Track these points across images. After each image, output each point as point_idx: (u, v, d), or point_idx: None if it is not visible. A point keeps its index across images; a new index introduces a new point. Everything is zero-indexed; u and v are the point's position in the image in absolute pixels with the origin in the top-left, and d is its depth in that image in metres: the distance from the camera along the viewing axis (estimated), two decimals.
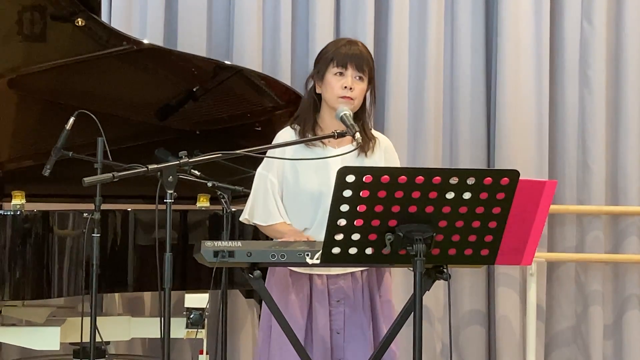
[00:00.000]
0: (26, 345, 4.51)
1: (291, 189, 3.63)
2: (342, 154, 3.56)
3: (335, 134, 3.47)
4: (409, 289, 3.24)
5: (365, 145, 3.64)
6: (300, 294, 3.61)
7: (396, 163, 3.74)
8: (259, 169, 3.68)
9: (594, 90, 5.65)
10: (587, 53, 5.66)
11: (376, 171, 3.10)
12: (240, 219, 3.73)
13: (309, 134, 3.64)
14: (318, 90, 3.66)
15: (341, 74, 3.60)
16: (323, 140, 3.63)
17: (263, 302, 3.64)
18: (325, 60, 3.63)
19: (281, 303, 3.55)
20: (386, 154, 3.71)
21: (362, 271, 3.65)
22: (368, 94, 3.68)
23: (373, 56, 5.42)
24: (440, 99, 5.60)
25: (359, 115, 3.65)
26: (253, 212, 3.67)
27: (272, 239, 3.67)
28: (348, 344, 3.62)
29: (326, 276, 3.61)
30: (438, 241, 3.18)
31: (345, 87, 3.58)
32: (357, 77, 3.60)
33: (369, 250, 3.18)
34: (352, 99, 3.58)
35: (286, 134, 3.69)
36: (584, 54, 5.66)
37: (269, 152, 3.64)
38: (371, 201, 3.10)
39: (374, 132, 3.74)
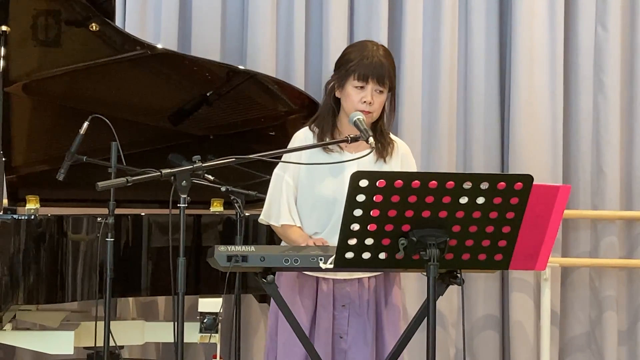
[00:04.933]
0: (40, 350, 4.52)
1: (306, 192, 3.63)
2: (358, 158, 3.54)
3: (349, 138, 3.46)
4: (422, 294, 3.24)
5: (384, 150, 3.64)
6: (306, 297, 3.62)
7: (412, 169, 3.73)
8: (276, 170, 3.69)
9: (608, 95, 5.63)
10: (601, 58, 5.64)
11: (389, 176, 3.10)
12: (259, 220, 3.73)
13: (327, 138, 3.64)
14: (338, 95, 3.65)
15: (362, 87, 3.59)
16: (340, 145, 3.63)
17: (271, 304, 3.66)
18: (346, 70, 3.59)
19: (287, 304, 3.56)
20: (403, 159, 3.71)
21: (369, 277, 3.65)
22: (387, 102, 3.67)
23: None
24: (454, 103, 5.59)
25: (379, 123, 3.64)
26: (269, 213, 3.68)
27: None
28: (350, 349, 3.62)
29: (332, 280, 3.62)
30: (451, 246, 3.17)
31: (365, 101, 3.58)
32: (378, 91, 3.60)
33: (382, 255, 3.18)
34: (370, 112, 3.58)
35: (303, 135, 3.69)
36: (598, 59, 5.64)
37: (285, 156, 3.64)
38: (384, 206, 3.10)
39: (392, 136, 3.73)
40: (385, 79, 3.59)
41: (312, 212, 3.62)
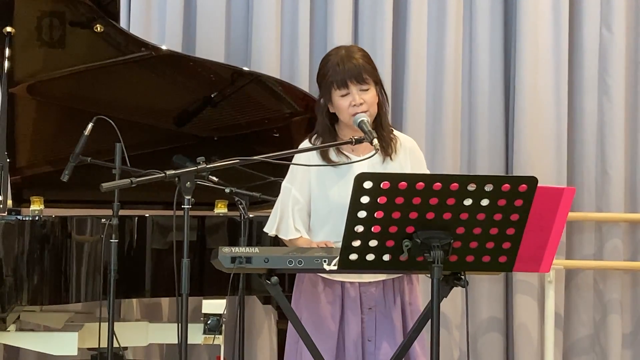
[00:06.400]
0: (44, 351, 4.52)
1: (319, 203, 3.61)
2: (363, 159, 3.51)
3: (353, 140, 3.46)
4: (426, 296, 3.24)
5: (388, 148, 3.62)
6: (332, 301, 3.59)
7: (422, 163, 3.71)
8: (284, 182, 3.67)
9: (612, 97, 5.63)
10: (606, 60, 5.64)
11: (394, 177, 3.10)
12: (267, 231, 3.71)
13: (333, 151, 3.62)
14: (332, 110, 3.63)
15: (346, 93, 3.56)
16: (346, 152, 3.61)
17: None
18: (326, 86, 3.59)
19: (312, 310, 3.55)
20: (412, 155, 3.68)
21: (393, 278, 3.64)
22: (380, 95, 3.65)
23: (391, 64, 5.50)
24: (459, 105, 5.59)
25: (379, 119, 3.63)
26: (278, 227, 3.66)
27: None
28: (379, 350, 3.60)
29: (358, 284, 3.60)
30: (456, 248, 3.17)
31: (354, 104, 3.56)
32: (363, 90, 3.57)
33: (386, 257, 3.18)
34: (365, 111, 3.57)
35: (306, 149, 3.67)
36: (602, 61, 5.64)
37: (294, 166, 3.62)
38: (389, 207, 3.09)
39: (396, 133, 3.71)
40: (364, 76, 3.57)
41: (328, 221, 3.60)
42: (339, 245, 3.46)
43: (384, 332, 3.60)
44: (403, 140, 3.70)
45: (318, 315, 3.56)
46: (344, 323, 3.59)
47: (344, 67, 3.57)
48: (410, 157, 3.68)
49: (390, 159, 3.63)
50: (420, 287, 3.69)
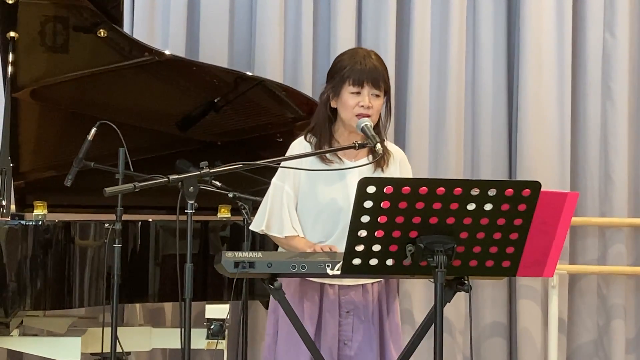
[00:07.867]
0: (47, 356, 4.52)
1: (308, 202, 3.62)
2: (359, 166, 3.54)
3: (357, 144, 3.46)
4: (429, 301, 3.24)
5: (381, 159, 3.63)
6: (311, 303, 3.61)
7: (410, 175, 3.72)
8: (274, 179, 3.67)
9: (616, 102, 5.62)
10: (609, 65, 5.64)
11: (397, 182, 3.10)
12: (254, 228, 3.71)
13: (326, 147, 3.62)
14: (333, 105, 3.64)
15: (358, 92, 3.58)
16: (339, 154, 3.62)
17: (268, 309, 3.65)
18: (340, 78, 3.59)
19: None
20: (401, 166, 3.70)
21: (372, 283, 3.64)
22: (383, 107, 3.66)
23: (394, 68, 5.50)
24: (462, 109, 5.59)
25: (376, 129, 3.63)
26: (269, 224, 3.65)
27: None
28: (356, 355, 3.62)
29: (338, 286, 3.61)
30: (459, 252, 3.17)
31: (362, 105, 3.57)
32: (374, 95, 3.59)
33: (389, 262, 3.18)
34: (369, 116, 3.57)
35: (301, 146, 3.67)
36: (606, 65, 5.64)
37: (284, 164, 3.63)
38: (392, 212, 3.09)
39: (386, 144, 3.71)
40: (380, 82, 3.59)
41: (316, 221, 3.61)
42: (325, 244, 3.48)
43: (361, 336, 3.62)
44: (394, 151, 3.72)
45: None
46: (322, 325, 3.60)
47: (364, 67, 3.58)
48: (400, 168, 3.70)
49: (382, 170, 3.64)
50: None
